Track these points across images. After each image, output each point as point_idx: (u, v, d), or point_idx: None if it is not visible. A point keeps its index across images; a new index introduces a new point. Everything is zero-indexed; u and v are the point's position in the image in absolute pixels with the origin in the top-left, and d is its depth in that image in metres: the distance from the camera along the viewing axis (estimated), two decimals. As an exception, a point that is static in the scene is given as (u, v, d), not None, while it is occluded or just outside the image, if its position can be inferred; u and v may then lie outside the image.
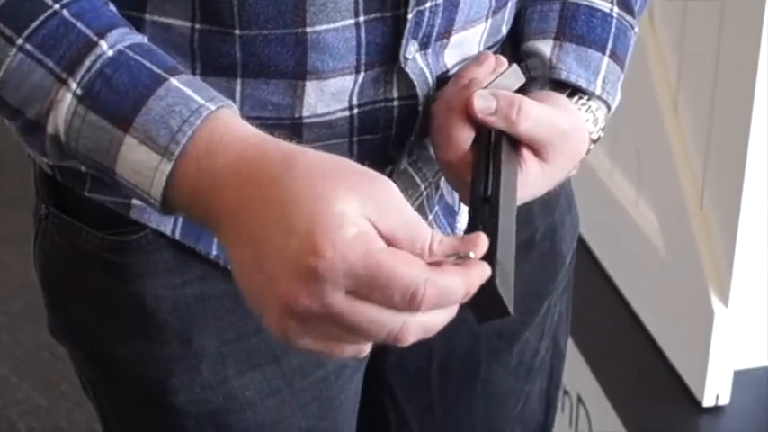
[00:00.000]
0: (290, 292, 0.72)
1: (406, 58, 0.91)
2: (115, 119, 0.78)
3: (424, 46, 0.92)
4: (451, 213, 1.04)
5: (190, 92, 0.78)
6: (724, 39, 1.75)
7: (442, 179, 1.01)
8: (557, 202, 1.17)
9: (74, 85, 0.79)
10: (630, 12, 1.02)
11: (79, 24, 0.80)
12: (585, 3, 1.00)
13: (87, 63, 0.79)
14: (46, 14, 0.80)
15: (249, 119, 0.80)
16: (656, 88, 1.92)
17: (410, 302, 0.72)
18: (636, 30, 1.03)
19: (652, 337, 1.99)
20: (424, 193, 0.99)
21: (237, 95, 0.89)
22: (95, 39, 0.79)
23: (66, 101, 0.79)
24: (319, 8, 0.86)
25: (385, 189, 0.74)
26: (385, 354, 1.15)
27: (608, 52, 0.99)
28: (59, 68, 0.79)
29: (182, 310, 0.98)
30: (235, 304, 0.99)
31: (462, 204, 1.05)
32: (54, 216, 1.01)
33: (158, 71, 0.79)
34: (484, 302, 0.74)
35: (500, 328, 1.16)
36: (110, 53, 0.79)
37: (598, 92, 0.97)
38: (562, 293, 1.23)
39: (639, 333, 2.02)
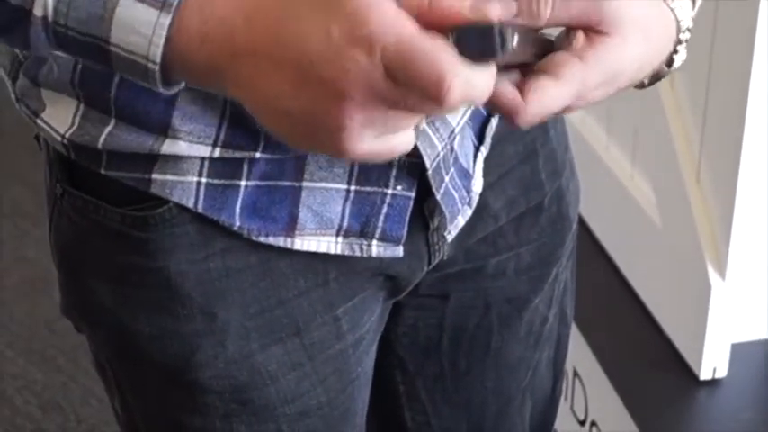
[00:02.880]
0: (348, 73, 0.72)
1: None
2: None
3: None
4: (466, 176, 1.04)
5: None
6: (720, 11, 1.75)
7: (456, 141, 1.01)
8: (563, 165, 1.17)
9: None
10: None
11: None
12: None
13: None
14: None
15: None
16: (654, 62, 1.92)
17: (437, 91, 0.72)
18: None
19: (649, 310, 2.00)
20: (441, 154, 0.99)
21: None
22: None
23: None
24: None
25: None
26: (396, 325, 1.16)
27: None
28: None
29: (205, 285, 0.98)
30: (259, 276, 0.98)
31: (477, 167, 1.05)
32: (70, 195, 0.99)
33: None
34: (478, 38, 0.74)
35: (510, 295, 1.16)
36: None
37: None
38: (568, 260, 1.23)
39: (636, 307, 2.02)
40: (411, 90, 0.72)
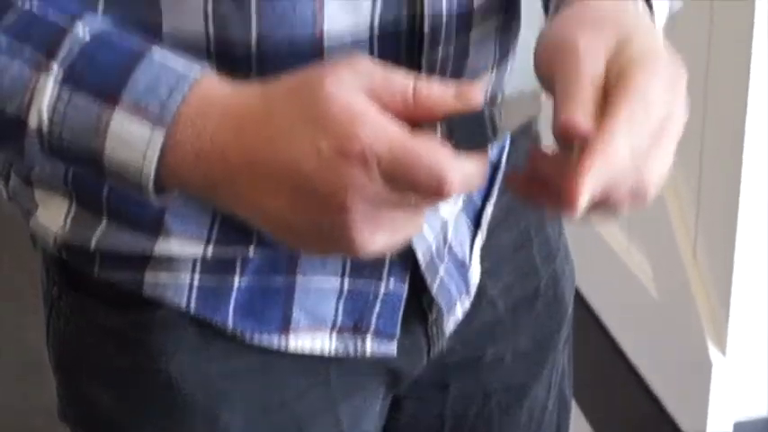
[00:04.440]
0: (347, 188, 0.72)
1: None
2: (102, 95, 0.77)
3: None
4: (463, 266, 1.04)
5: (173, 61, 0.78)
6: (711, 85, 1.76)
7: (450, 232, 1.01)
8: (558, 250, 1.17)
9: (54, 68, 0.78)
10: None
11: (50, 12, 0.79)
12: None
13: (66, 47, 0.78)
14: (15, 11, 0.79)
15: None
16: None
17: (438, 188, 0.72)
18: None
19: (649, 387, 1.99)
20: (433, 246, 0.99)
21: None
22: (69, 24, 0.79)
23: (49, 87, 0.78)
24: (337, 58, 0.87)
25: (350, 61, 0.75)
26: (396, 416, 1.14)
27: None
28: (37, 56, 0.78)
29: (207, 387, 0.97)
30: (259, 377, 0.97)
31: (473, 258, 1.05)
32: (68, 296, 0.99)
33: (138, 46, 0.79)
34: (469, 127, 0.74)
35: (509, 382, 1.16)
36: (87, 35, 0.79)
37: None
38: (565, 344, 1.23)
39: (636, 383, 2.01)
40: (412, 192, 0.73)
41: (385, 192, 0.73)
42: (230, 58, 0.86)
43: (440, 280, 1.00)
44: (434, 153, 0.72)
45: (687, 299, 1.85)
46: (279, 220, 0.76)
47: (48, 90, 0.78)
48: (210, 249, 0.92)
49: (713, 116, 1.77)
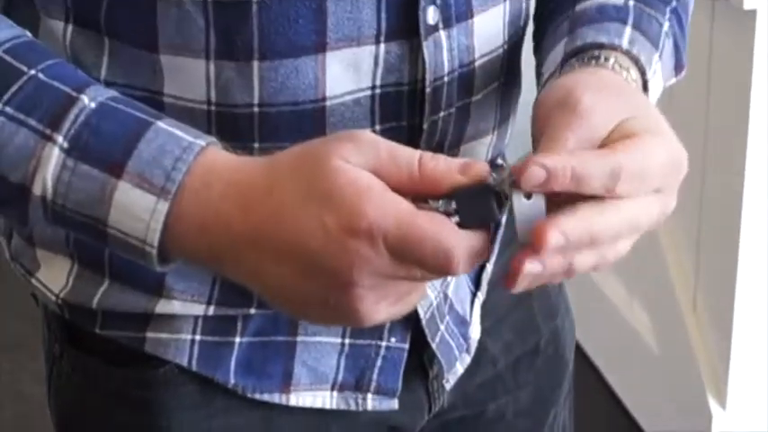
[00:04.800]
0: (354, 264, 0.72)
1: None
2: (106, 166, 0.78)
3: None
4: (463, 323, 1.04)
5: (178, 132, 0.78)
6: (710, 141, 1.77)
7: (450, 289, 1.01)
8: (557, 306, 1.18)
9: (60, 139, 0.78)
10: (654, 6, 0.93)
11: (56, 84, 0.80)
12: (593, 4, 0.93)
13: (71, 116, 0.79)
14: (23, 80, 0.80)
15: None
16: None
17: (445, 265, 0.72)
18: (666, 23, 0.93)
19: (650, 441, 1.99)
20: (435, 303, 0.99)
21: None
22: (75, 94, 0.79)
23: (54, 156, 0.78)
24: (338, 119, 0.87)
25: (355, 134, 0.75)
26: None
27: (630, 23, 0.89)
28: (43, 125, 0.79)
29: None
30: None
31: (474, 315, 1.05)
32: (70, 355, 0.99)
33: (143, 116, 0.79)
34: (475, 203, 0.73)
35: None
36: (92, 105, 0.79)
37: (625, 46, 0.87)
38: (565, 400, 1.23)
39: (637, 437, 2.01)
40: (418, 267, 0.73)
41: (391, 267, 0.73)
42: (232, 122, 0.87)
43: (441, 336, 1.00)
44: (441, 229, 0.72)
45: (687, 353, 1.85)
46: (284, 292, 0.76)
47: (53, 159, 0.78)
48: (212, 309, 0.92)
49: (712, 170, 1.78)
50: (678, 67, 0.96)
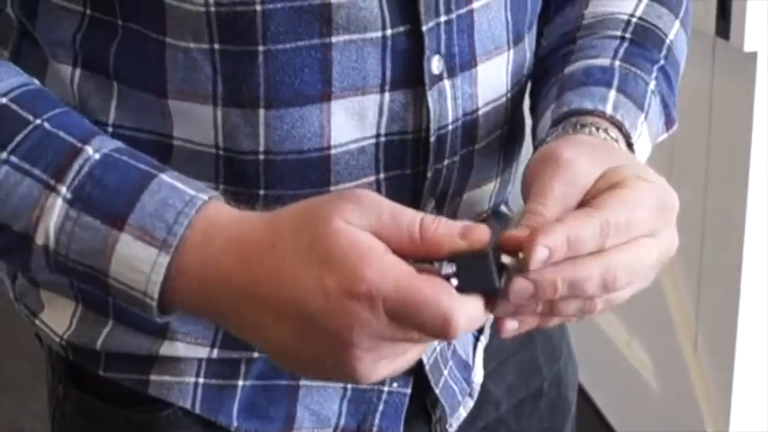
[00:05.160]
0: (353, 326, 0.73)
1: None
2: (109, 217, 0.78)
3: (440, 203, 0.94)
4: (466, 367, 1.04)
5: (180, 185, 0.79)
6: (711, 185, 1.77)
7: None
8: (560, 349, 1.18)
9: (63, 190, 0.79)
10: (640, 66, 0.95)
11: (62, 134, 0.81)
12: (581, 66, 0.94)
13: (75, 167, 0.79)
14: (29, 129, 0.81)
15: None
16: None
17: (443, 329, 0.73)
18: (652, 82, 0.94)
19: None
20: (438, 349, 0.99)
21: None
22: (80, 145, 0.80)
23: (57, 206, 0.79)
24: (343, 167, 0.88)
25: (357, 194, 0.75)
26: None
27: (615, 86, 0.91)
28: (47, 175, 0.79)
29: None
30: None
31: (476, 359, 1.05)
32: (73, 396, 0.99)
33: (147, 168, 0.80)
34: (474, 269, 0.73)
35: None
36: (96, 156, 0.80)
37: (609, 111, 0.88)
38: (568, 442, 1.23)
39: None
40: (416, 331, 0.73)
41: (389, 329, 0.73)
42: (239, 168, 0.87)
43: (444, 381, 1.00)
44: (440, 294, 0.72)
45: (688, 393, 1.84)
46: (283, 349, 0.76)
47: (56, 210, 0.79)
48: (216, 352, 0.93)
49: (713, 212, 1.78)
50: (669, 123, 0.97)
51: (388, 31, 0.85)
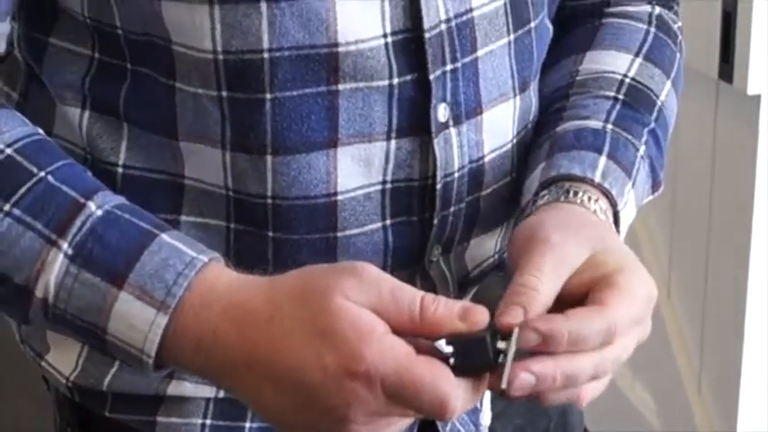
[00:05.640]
0: (350, 404, 0.74)
1: (430, 261, 0.93)
2: (109, 275, 0.78)
3: (446, 250, 0.94)
4: (474, 410, 1.04)
5: (181, 245, 0.80)
6: (714, 222, 1.78)
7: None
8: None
9: (65, 246, 0.79)
10: (631, 130, 0.96)
11: (65, 188, 0.81)
12: (573, 127, 0.95)
13: (77, 223, 0.80)
14: (32, 181, 0.81)
15: None
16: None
17: (440, 411, 0.74)
18: (642, 147, 0.95)
19: None
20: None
21: None
22: (83, 200, 0.81)
23: (58, 261, 0.79)
24: (350, 213, 0.89)
25: (358, 270, 0.76)
26: None
27: (605, 152, 0.92)
28: (49, 230, 0.80)
29: None
30: None
31: (484, 401, 1.05)
32: None
33: (148, 227, 0.80)
34: (472, 351, 0.75)
35: None
36: (99, 213, 0.80)
37: (597, 179, 0.89)
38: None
39: None
40: (413, 411, 0.75)
41: (386, 407, 0.74)
42: (248, 210, 0.88)
43: (451, 424, 1.00)
44: (438, 380, 0.73)
45: (692, 435, 1.84)
46: (278, 416, 0.77)
47: (57, 265, 0.79)
48: (222, 392, 0.93)
49: (716, 254, 1.79)
50: (655, 186, 0.98)
51: (395, 80, 0.86)
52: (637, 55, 1.01)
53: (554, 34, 1.02)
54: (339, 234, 0.89)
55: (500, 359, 0.75)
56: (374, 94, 0.86)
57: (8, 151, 0.82)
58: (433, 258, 0.94)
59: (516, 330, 0.75)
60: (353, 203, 0.88)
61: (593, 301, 0.78)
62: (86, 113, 0.90)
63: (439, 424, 0.99)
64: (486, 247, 0.99)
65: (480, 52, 0.90)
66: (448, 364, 0.74)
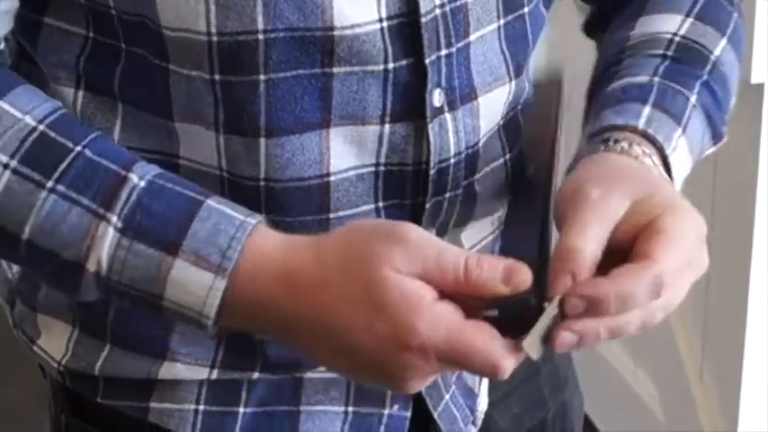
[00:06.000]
0: (406, 369, 0.77)
1: None
2: (162, 245, 0.80)
3: (441, 232, 0.94)
4: (471, 395, 1.04)
5: (228, 210, 0.81)
6: (717, 212, 1.78)
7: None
8: (565, 381, 1.17)
9: (114, 219, 0.80)
10: (681, 82, 0.95)
11: (105, 161, 0.82)
12: (620, 84, 0.95)
13: (123, 196, 0.81)
14: (71, 156, 0.82)
15: None
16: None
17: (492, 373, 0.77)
18: (693, 96, 0.94)
19: None
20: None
21: None
22: (124, 172, 0.82)
23: (109, 235, 0.80)
24: (342, 194, 0.89)
25: (403, 235, 0.78)
26: None
27: (650, 102, 0.91)
28: (96, 205, 0.81)
29: None
30: None
31: (482, 386, 1.05)
32: (75, 427, 0.99)
33: (193, 194, 0.82)
34: (516, 314, 0.77)
35: None
36: (142, 183, 0.81)
37: (641, 126, 0.89)
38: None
39: None
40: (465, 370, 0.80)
41: (440, 368, 0.78)
42: (242, 192, 0.88)
43: (444, 406, 1.00)
44: (489, 345, 0.76)
45: (694, 423, 1.84)
46: (336, 369, 0.84)
47: (108, 238, 0.80)
48: (216, 373, 0.93)
49: (718, 244, 1.79)
50: (716, 137, 0.97)
51: (390, 65, 0.86)
52: (688, 15, 1.01)
53: (608, 8, 1.04)
54: (332, 215, 0.90)
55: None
56: (369, 79, 0.86)
57: (41, 128, 0.83)
58: None
59: (557, 297, 0.77)
60: (346, 184, 0.89)
61: (639, 255, 0.78)
62: (80, 93, 0.90)
63: (429, 403, 0.99)
64: (482, 226, 0.99)
65: (472, 37, 0.90)
66: (495, 325, 0.76)
